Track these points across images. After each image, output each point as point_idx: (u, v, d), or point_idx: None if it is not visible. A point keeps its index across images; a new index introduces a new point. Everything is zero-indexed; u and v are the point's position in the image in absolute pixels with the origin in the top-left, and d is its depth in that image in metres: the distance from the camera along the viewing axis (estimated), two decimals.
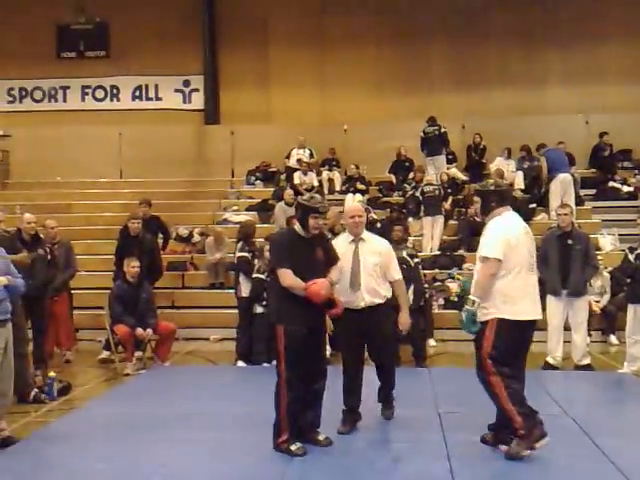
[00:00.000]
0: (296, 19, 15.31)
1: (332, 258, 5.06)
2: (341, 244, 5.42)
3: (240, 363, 8.08)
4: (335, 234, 8.61)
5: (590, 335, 8.66)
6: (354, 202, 11.89)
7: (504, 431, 4.82)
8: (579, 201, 12.07)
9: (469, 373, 7.65)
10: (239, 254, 8.40)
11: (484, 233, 4.83)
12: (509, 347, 4.69)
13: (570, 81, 14.40)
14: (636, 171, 13.26)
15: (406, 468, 4.67)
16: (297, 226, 4.98)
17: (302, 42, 15.29)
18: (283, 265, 4.83)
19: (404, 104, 14.97)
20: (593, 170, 13.49)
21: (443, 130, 13.15)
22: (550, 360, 7.62)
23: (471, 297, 4.76)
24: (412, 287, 7.54)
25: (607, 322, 9.40)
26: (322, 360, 5.13)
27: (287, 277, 4.79)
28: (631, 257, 7.41)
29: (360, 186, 13.25)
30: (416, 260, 8.15)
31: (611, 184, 12.95)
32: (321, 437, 4.99)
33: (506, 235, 4.68)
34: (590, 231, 9.78)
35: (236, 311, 8.36)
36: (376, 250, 5.42)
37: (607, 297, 9.44)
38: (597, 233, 11.20)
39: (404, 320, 5.56)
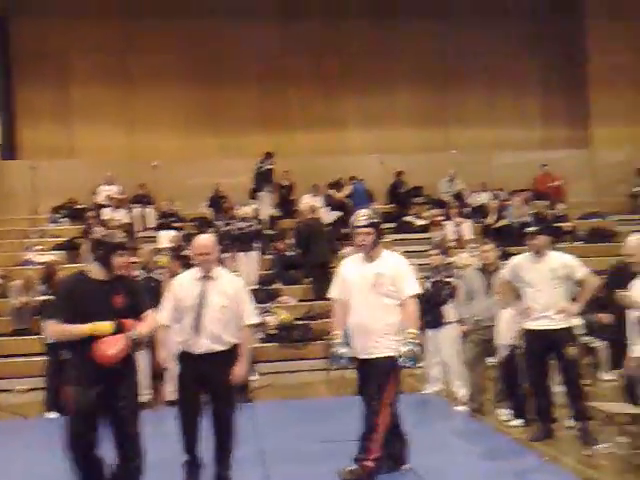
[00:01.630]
0: (98, 55, 14.90)
1: (139, 304, 4.35)
2: (188, 280, 4.98)
3: (51, 414, 7.62)
4: (149, 272, 8.58)
5: None
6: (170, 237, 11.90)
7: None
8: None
9: (291, 405, 8.01)
10: (42, 297, 8.01)
11: (401, 268, 5.08)
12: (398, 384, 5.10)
13: (366, 124, 15.57)
14: (428, 206, 14.62)
15: None
16: (93, 267, 4.33)
17: (106, 78, 14.92)
18: (54, 316, 4.23)
19: (213, 142, 15.23)
20: (391, 205, 14.64)
21: (270, 166, 13.67)
22: None
23: (414, 331, 4.95)
24: None
25: None
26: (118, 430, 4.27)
27: (54, 330, 4.25)
28: (428, 285, 8.13)
29: (174, 222, 13.18)
30: None
31: (406, 218, 14.16)
32: None
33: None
34: None
35: (44, 358, 7.88)
36: (227, 291, 4.92)
37: None
38: None
39: (239, 372, 4.94)
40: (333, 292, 5.30)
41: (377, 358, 4.98)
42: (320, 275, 11.47)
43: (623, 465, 5.12)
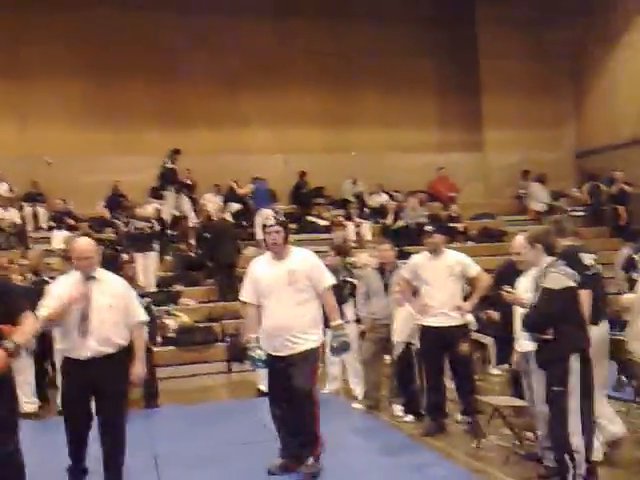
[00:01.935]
0: None
1: (12, 307, 3.99)
2: (68, 284, 4.76)
3: None
4: (38, 275, 8.23)
5: None
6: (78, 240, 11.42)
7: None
8: None
9: (191, 409, 7.92)
10: None
11: (312, 261, 5.27)
12: None
13: (269, 123, 15.54)
14: (330, 207, 14.81)
15: None
16: None
17: None
18: None
19: (110, 138, 14.68)
20: (294, 206, 14.72)
21: (170, 166, 13.52)
22: (262, 387, 8.11)
23: (339, 322, 5.33)
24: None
25: None
26: None
27: None
28: None
29: (69, 221, 12.69)
30: (147, 300, 8.12)
31: (309, 218, 14.28)
32: None
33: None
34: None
35: None
36: (112, 291, 4.81)
37: None
38: None
39: (138, 371, 4.87)
40: (245, 295, 5.34)
41: (301, 352, 5.10)
42: (226, 276, 11.41)
43: (509, 456, 5.39)
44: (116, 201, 13.61)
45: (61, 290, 4.71)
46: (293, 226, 13.86)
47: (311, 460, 5.15)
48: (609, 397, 5.51)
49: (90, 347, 4.65)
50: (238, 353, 10.03)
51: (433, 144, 16.43)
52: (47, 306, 4.61)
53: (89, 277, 4.75)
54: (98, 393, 4.73)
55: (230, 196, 13.92)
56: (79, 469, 4.87)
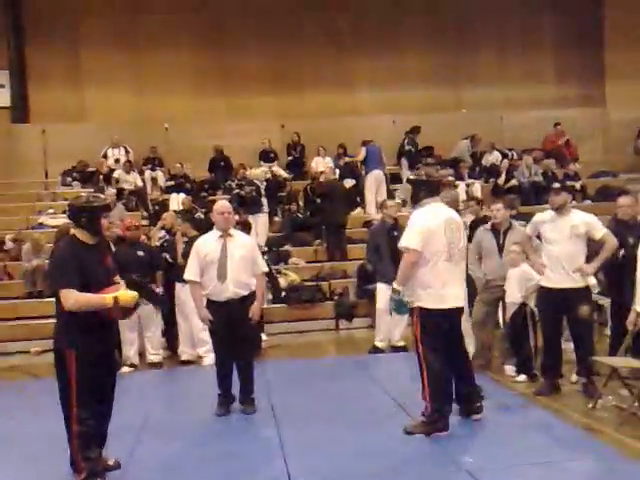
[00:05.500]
0: (108, 16, 14.81)
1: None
2: (210, 239, 5.80)
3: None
4: (173, 235, 8.67)
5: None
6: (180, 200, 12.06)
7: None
8: (389, 196, 13.01)
9: (299, 363, 8.14)
10: None
11: (407, 223, 5.17)
12: (435, 333, 5.03)
13: (377, 84, 15.40)
14: (438, 167, 14.50)
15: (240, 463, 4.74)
16: (79, 232, 4.32)
17: (115, 40, 14.83)
18: (70, 284, 4.10)
19: (222, 103, 15.14)
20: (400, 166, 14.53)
21: None
22: (378, 344, 8.21)
23: (394, 285, 5.10)
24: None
25: None
26: (113, 383, 4.51)
27: (76, 301, 4.09)
28: None
29: (186, 185, 13.21)
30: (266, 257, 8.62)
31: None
32: (110, 461, 4.56)
33: (423, 226, 5.01)
34: (404, 223, 10.59)
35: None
36: (243, 244, 5.82)
37: None
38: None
39: (257, 310, 5.85)
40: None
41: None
42: (335, 237, 11.53)
43: (624, 417, 5.18)
44: (218, 165, 13.94)
45: (205, 248, 5.75)
46: (398, 187, 13.79)
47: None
48: None
49: (228, 289, 5.63)
50: (345, 311, 10.20)
51: (549, 99, 15.74)
52: (192, 267, 5.77)
53: (226, 234, 5.72)
54: (234, 329, 5.67)
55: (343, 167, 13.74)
56: (226, 396, 5.87)
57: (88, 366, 4.16)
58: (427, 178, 5.43)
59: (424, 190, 5.21)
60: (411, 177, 5.55)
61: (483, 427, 5.31)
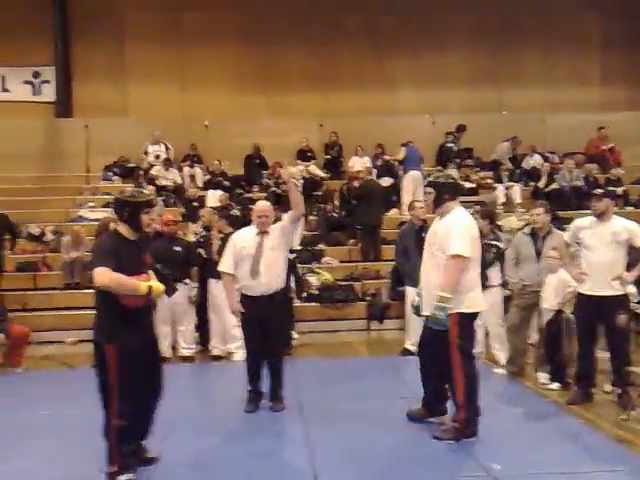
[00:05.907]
0: (153, 13, 15.06)
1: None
2: (248, 235, 5.91)
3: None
4: (208, 231, 8.76)
5: None
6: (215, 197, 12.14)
7: (435, 407, 5.30)
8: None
9: (329, 363, 8.11)
10: None
11: (448, 229, 4.97)
12: (471, 338, 5.07)
13: (418, 84, 15.30)
14: (477, 168, 14.33)
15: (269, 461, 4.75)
16: (121, 227, 4.36)
17: (160, 36, 15.06)
18: (106, 264, 4.09)
19: (263, 102, 15.23)
20: (439, 168, 14.37)
21: None
22: (409, 347, 8.10)
23: (442, 294, 4.81)
24: (293, 278, 8.25)
25: None
26: (159, 376, 4.54)
27: (109, 277, 4.07)
28: None
29: (223, 182, 13.30)
30: (293, 255, 8.51)
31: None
32: (149, 455, 4.62)
33: (470, 231, 5.01)
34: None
35: (93, 312, 8.11)
36: (276, 236, 5.88)
37: None
38: None
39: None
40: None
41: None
42: (370, 237, 11.48)
43: None
44: (252, 162, 13.98)
45: (241, 242, 5.88)
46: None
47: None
48: None
49: (260, 285, 5.75)
50: (377, 312, 10.14)
51: (594, 102, 15.40)
52: (226, 260, 5.93)
53: (263, 231, 5.83)
54: (266, 323, 5.77)
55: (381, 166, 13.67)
56: (256, 392, 5.96)
57: (128, 360, 4.17)
58: (449, 181, 5.28)
59: (448, 193, 5.12)
60: (432, 180, 5.36)
61: (513, 434, 5.22)
